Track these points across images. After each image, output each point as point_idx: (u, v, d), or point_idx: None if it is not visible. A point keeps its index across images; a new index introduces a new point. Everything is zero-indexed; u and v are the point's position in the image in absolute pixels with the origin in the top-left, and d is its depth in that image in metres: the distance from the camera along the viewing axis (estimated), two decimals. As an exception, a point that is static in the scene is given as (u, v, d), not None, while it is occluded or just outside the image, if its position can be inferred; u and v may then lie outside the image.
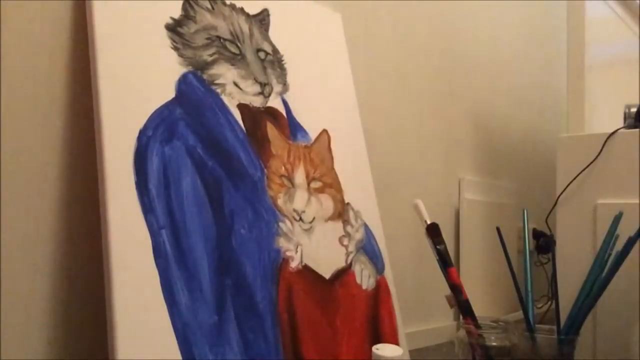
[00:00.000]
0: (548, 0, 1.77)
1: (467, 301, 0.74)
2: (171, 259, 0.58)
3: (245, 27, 0.76)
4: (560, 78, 1.88)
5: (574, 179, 1.02)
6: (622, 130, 1.02)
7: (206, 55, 0.70)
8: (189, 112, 0.65)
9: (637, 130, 1.01)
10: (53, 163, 0.60)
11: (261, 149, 0.73)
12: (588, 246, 1.01)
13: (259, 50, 0.77)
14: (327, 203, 0.79)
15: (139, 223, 0.57)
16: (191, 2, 0.70)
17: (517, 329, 0.76)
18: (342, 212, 0.81)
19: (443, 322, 1.17)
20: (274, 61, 0.79)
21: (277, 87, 0.78)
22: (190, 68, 0.67)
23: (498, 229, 0.84)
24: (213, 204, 0.64)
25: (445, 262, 0.75)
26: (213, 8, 0.73)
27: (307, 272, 0.73)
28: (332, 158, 0.83)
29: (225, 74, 0.71)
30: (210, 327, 0.60)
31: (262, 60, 0.77)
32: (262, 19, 0.80)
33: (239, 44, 0.74)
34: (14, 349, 0.56)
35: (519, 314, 0.79)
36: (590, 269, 0.80)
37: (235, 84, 0.72)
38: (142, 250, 0.56)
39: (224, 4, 0.75)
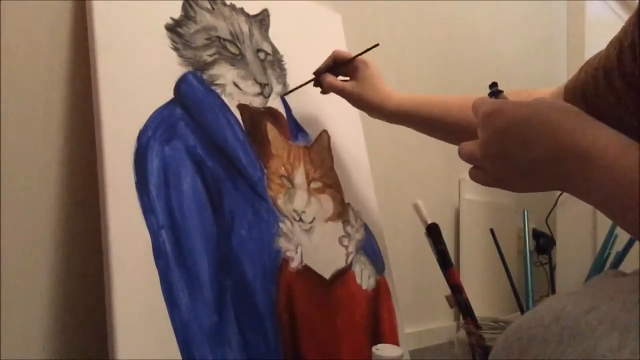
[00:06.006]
0: (548, 0, 1.77)
1: (467, 301, 0.74)
2: (171, 259, 0.58)
3: (245, 28, 0.76)
4: (560, 79, 1.88)
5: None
6: (622, 130, 1.02)
7: (206, 55, 0.70)
8: (189, 112, 0.65)
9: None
10: (53, 163, 0.60)
11: (261, 150, 0.73)
12: (588, 246, 1.01)
13: (258, 50, 0.77)
14: (327, 203, 0.79)
15: (139, 223, 0.57)
16: (191, 2, 0.70)
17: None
18: (342, 212, 0.81)
19: (443, 322, 1.16)
20: (273, 61, 0.79)
21: (277, 88, 0.78)
22: (190, 68, 0.67)
23: (492, 231, 0.84)
24: (213, 204, 0.64)
25: (446, 262, 0.75)
26: (213, 8, 0.73)
27: (307, 272, 0.73)
28: (332, 158, 0.83)
29: (225, 75, 0.71)
30: (210, 327, 0.60)
31: (262, 61, 0.77)
32: (262, 19, 0.80)
33: (238, 45, 0.74)
34: (14, 349, 0.56)
35: (519, 314, 0.79)
36: (590, 268, 0.80)
37: (235, 85, 0.72)
38: (142, 250, 0.56)
39: (224, 4, 0.75)
